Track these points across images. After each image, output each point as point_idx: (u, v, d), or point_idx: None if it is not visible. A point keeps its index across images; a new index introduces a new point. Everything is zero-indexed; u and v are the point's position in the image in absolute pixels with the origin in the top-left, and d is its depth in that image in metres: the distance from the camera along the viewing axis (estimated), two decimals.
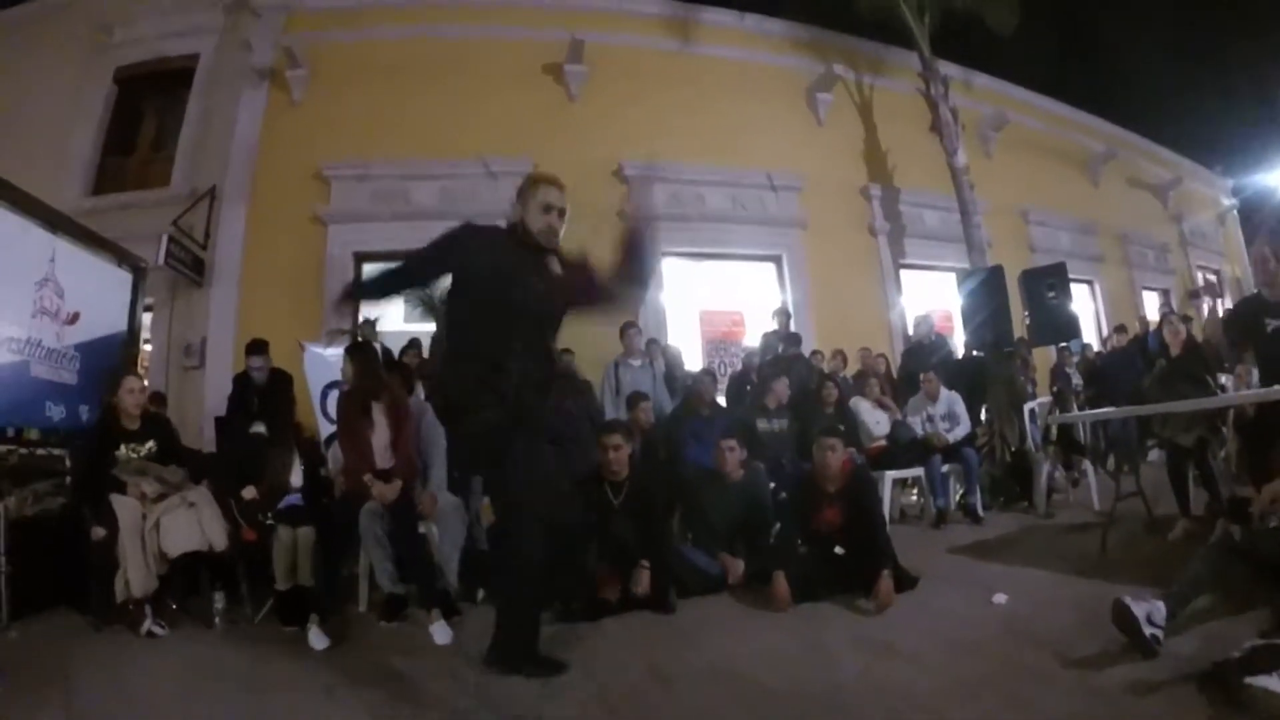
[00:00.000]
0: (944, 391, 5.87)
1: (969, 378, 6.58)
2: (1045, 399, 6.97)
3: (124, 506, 3.44)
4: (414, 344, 5.96)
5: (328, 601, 3.29)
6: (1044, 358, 8.37)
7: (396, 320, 7.70)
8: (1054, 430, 6.07)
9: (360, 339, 4.87)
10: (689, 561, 3.67)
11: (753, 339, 8.14)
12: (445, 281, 2.61)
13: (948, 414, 5.79)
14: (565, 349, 6.34)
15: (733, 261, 9.33)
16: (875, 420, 5.97)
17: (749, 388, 6.55)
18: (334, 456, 4.06)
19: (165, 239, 7.09)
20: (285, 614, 3.40)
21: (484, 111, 8.31)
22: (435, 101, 8.39)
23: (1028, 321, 6.92)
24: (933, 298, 9.47)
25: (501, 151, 8.20)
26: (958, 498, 5.68)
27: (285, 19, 8.72)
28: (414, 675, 2.63)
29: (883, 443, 5.81)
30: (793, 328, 7.66)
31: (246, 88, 8.46)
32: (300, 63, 8.36)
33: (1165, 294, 12.03)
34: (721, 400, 6.12)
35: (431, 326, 6.70)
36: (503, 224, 2.63)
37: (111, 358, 5.06)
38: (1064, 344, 7.81)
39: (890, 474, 5.41)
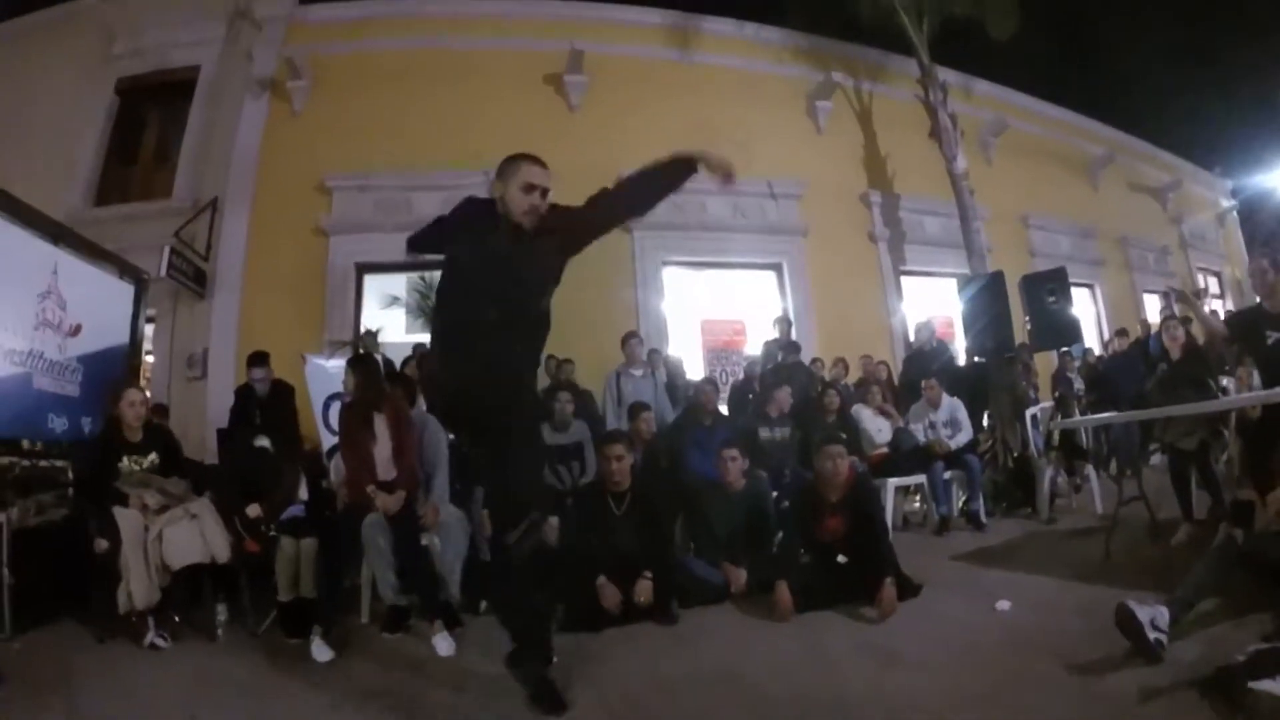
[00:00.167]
0: (946, 398, 5.87)
1: (971, 384, 6.59)
2: (1047, 404, 6.95)
3: (126, 519, 3.43)
4: (417, 354, 5.94)
5: (330, 613, 3.28)
6: (1045, 362, 8.37)
7: (399, 331, 7.72)
8: (1056, 435, 6.06)
9: (362, 350, 4.87)
10: (691, 571, 3.67)
11: (754, 347, 8.14)
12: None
13: (950, 420, 5.79)
14: (566, 359, 6.38)
15: (733, 270, 9.33)
16: (877, 428, 5.96)
17: (751, 396, 6.55)
18: (336, 468, 4.05)
19: (167, 250, 7.11)
20: (288, 625, 3.40)
21: (485, 122, 8.29)
22: (436, 112, 8.41)
23: (1029, 326, 6.91)
24: (933, 304, 9.43)
25: None
26: (960, 504, 5.67)
27: (286, 30, 8.76)
28: (416, 686, 2.63)
29: (885, 450, 5.81)
30: (794, 335, 7.65)
31: (248, 99, 8.49)
32: (301, 74, 8.41)
33: (1165, 296, 11.96)
34: (723, 409, 6.10)
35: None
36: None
37: (114, 369, 5.07)
38: (1065, 349, 7.80)
39: (892, 481, 5.40)
